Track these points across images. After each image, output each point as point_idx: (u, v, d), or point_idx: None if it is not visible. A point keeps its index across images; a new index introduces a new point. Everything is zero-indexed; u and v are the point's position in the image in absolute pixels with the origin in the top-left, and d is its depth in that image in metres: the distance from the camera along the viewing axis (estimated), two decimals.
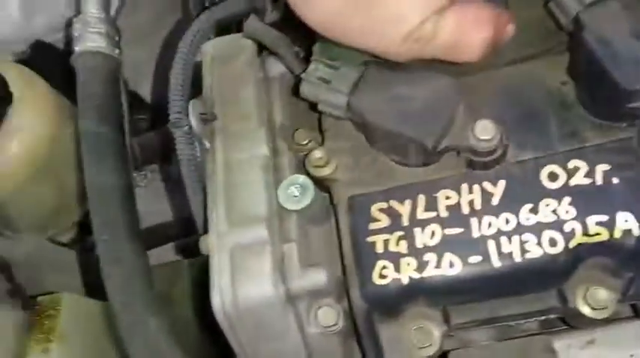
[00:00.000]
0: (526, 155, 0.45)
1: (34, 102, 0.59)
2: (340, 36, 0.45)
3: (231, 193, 0.47)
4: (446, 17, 0.43)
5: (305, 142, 0.52)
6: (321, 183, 0.49)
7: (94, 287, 0.60)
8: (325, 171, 0.48)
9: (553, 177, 0.44)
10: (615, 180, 0.43)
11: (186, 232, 0.72)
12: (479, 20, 0.45)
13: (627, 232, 0.41)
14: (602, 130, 0.45)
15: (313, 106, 0.49)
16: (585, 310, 0.43)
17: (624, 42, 0.43)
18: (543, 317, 0.46)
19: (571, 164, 0.44)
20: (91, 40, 0.51)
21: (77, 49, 0.51)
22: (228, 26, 0.59)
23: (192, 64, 0.50)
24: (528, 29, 0.51)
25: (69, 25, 0.55)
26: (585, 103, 0.46)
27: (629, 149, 0.44)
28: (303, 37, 0.58)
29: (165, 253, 0.75)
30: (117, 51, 0.52)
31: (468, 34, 0.44)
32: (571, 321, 0.46)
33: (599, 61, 0.42)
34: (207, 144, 0.50)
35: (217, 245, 0.45)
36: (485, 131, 0.43)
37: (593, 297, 0.43)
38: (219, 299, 0.42)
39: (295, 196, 0.47)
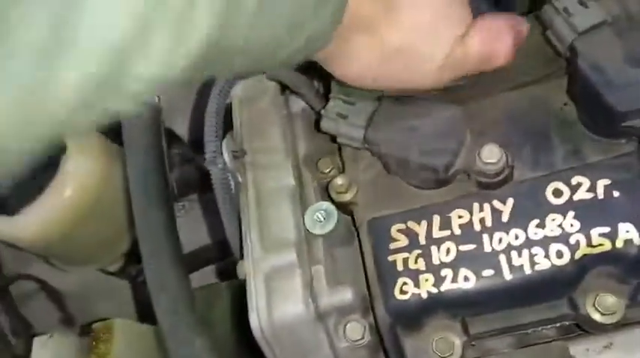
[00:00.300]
0: (532, 174, 0.49)
1: (85, 149, 0.66)
2: (372, 84, 0.49)
3: (262, 221, 0.52)
4: (471, 37, 0.47)
5: (327, 171, 0.57)
6: (344, 208, 0.54)
7: (143, 313, 0.66)
8: (347, 197, 0.53)
9: (557, 193, 0.47)
10: (616, 194, 0.46)
11: (222, 256, 0.77)
12: (500, 30, 0.49)
13: (629, 242, 0.44)
14: (602, 147, 0.49)
15: (333, 139, 0.54)
16: (596, 316, 0.46)
17: (617, 67, 0.46)
18: (558, 324, 0.49)
19: (574, 180, 0.48)
20: None
21: None
22: None
23: (224, 106, 0.56)
24: (529, 56, 0.55)
25: None
26: (585, 123, 0.50)
27: (629, 164, 0.47)
28: (322, 75, 0.64)
29: (203, 276, 0.81)
30: (157, 99, 0.58)
31: (494, 45, 0.49)
32: (585, 327, 0.49)
33: (594, 86, 0.46)
34: (240, 178, 0.55)
35: (253, 270, 0.50)
36: (491, 155, 0.47)
37: (602, 304, 0.46)
38: (257, 319, 0.47)
39: (320, 221, 0.51)
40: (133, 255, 0.74)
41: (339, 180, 0.53)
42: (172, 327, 0.48)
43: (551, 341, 0.51)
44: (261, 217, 0.52)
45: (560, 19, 0.51)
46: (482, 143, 0.48)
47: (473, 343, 0.49)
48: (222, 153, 0.54)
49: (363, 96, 0.56)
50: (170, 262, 0.50)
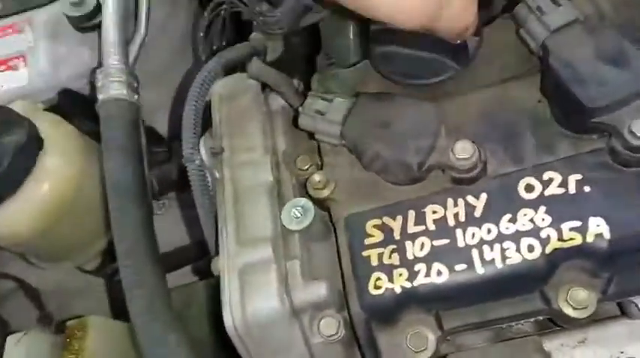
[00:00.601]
0: (505, 169, 0.50)
1: (62, 146, 0.66)
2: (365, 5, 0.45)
3: (239, 217, 0.52)
4: None
5: (306, 167, 0.57)
6: (321, 204, 0.54)
7: (119, 311, 0.66)
8: (324, 193, 0.53)
9: (529, 188, 0.48)
10: (587, 189, 0.47)
11: (201, 255, 0.77)
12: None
13: (599, 236, 0.45)
14: (574, 143, 0.49)
15: (311, 135, 0.55)
16: (568, 310, 0.46)
17: (587, 64, 0.47)
18: (532, 319, 0.50)
19: (546, 175, 0.48)
20: (113, 88, 0.57)
21: (100, 97, 0.57)
22: (235, 66, 0.65)
23: (204, 103, 0.56)
24: (504, 54, 0.56)
25: (93, 72, 0.62)
26: (558, 119, 0.51)
27: (600, 159, 0.48)
28: (302, 70, 0.64)
29: (182, 276, 0.80)
30: (136, 96, 0.58)
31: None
32: (558, 321, 0.50)
33: (565, 82, 0.47)
34: (217, 175, 0.55)
35: (227, 265, 0.50)
36: (464, 150, 0.47)
37: (574, 298, 0.46)
38: (230, 314, 0.47)
39: (297, 217, 0.52)
40: (110, 254, 0.74)
41: (317, 177, 0.54)
42: (146, 325, 0.47)
43: (526, 336, 0.52)
44: (238, 213, 0.53)
45: (533, 17, 0.52)
46: (455, 139, 0.48)
47: (447, 338, 0.50)
48: (199, 150, 0.54)
49: (342, 92, 0.57)
50: (146, 260, 0.50)
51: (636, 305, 0.50)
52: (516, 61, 0.55)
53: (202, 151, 0.54)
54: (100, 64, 0.59)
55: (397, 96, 0.52)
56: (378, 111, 0.51)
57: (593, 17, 0.51)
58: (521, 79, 0.54)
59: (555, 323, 0.51)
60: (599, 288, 0.47)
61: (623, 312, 0.51)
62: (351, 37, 0.58)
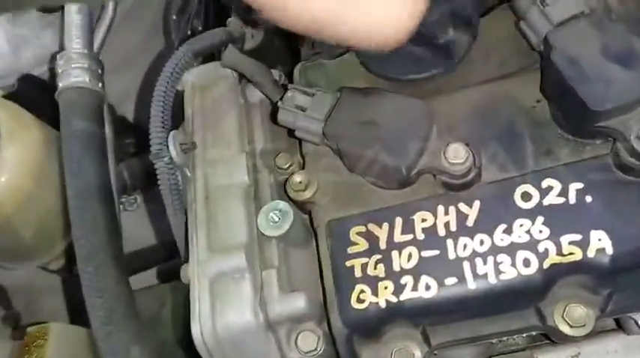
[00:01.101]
0: (500, 175, 0.46)
1: (21, 136, 0.61)
2: (333, 33, 0.37)
3: (211, 221, 0.48)
4: None
5: (286, 166, 0.53)
6: (302, 207, 0.50)
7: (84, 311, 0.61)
8: (305, 195, 0.49)
9: (527, 196, 0.44)
10: (589, 199, 0.43)
11: (176, 254, 0.73)
12: None
13: (601, 251, 0.42)
14: (575, 148, 0.46)
15: (291, 132, 0.50)
16: (564, 328, 0.43)
17: (593, 62, 0.43)
18: (525, 335, 0.47)
19: (544, 183, 0.45)
20: (74, 75, 0.52)
21: (61, 84, 0.52)
22: (212, 53, 0.60)
23: (173, 95, 0.51)
24: (501, 48, 0.52)
25: (54, 57, 0.56)
26: (559, 121, 0.47)
27: (603, 167, 0.44)
28: (284, 60, 0.59)
29: (154, 276, 0.76)
30: (100, 84, 0.53)
31: None
32: (553, 338, 0.47)
33: (568, 81, 0.43)
34: (189, 173, 0.51)
35: (197, 273, 0.45)
36: (457, 154, 0.44)
37: (571, 315, 0.43)
38: (199, 328, 0.43)
39: (275, 222, 0.47)
40: (74, 253, 0.69)
41: (298, 177, 0.49)
42: (107, 337, 0.43)
43: (517, 351, 0.49)
44: (210, 216, 0.48)
45: (535, 9, 0.48)
46: (448, 141, 0.44)
47: (435, 352, 0.46)
48: (169, 146, 0.49)
49: (325, 85, 0.52)
50: (108, 266, 0.45)
51: (635, 322, 0.47)
52: (515, 56, 0.51)
53: (172, 147, 0.49)
54: (61, 48, 0.54)
55: (385, 92, 0.48)
56: (363, 108, 0.47)
57: (600, 10, 0.46)
58: (520, 77, 0.50)
59: (547, 337, 0.48)
60: (597, 305, 0.43)
61: (620, 326, 0.48)
62: None
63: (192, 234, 0.48)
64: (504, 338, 0.48)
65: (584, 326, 0.43)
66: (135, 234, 0.56)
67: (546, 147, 0.46)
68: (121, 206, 0.70)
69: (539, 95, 0.48)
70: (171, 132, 0.50)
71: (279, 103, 0.49)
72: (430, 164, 0.45)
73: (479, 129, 0.48)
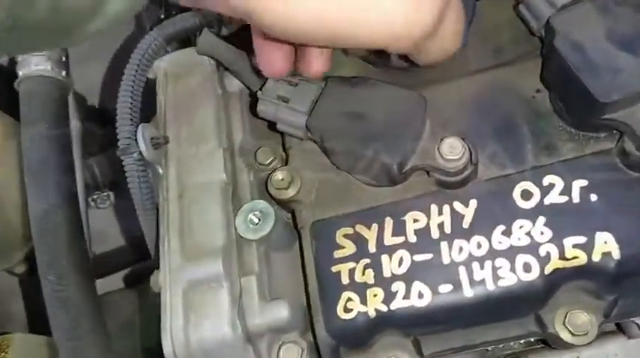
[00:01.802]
0: (498, 171, 0.42)
1: None
2: (313, 31, 0.34)
3: (184, 223, 0.44)
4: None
5: (268, 162, 0.49)
6: (285, 205, 0.47)
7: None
8: (288, 193, 0.45)
9: (527, 195, 0.41)
10: (593, 198, 0.40)
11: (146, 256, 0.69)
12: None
13: (607, 255, 0.39)
14: (578, 142, 0.43)
15: (272, 125, 0.46)
16: (565, 336, 0.40)
17: (599, 48, 0.39)
18: (523, 341, 0.44)
19: (546, 180, 0.41)
20: (34, 63, 0.48)
21: (21, 73, 0.48)
22: (187, 38, 0.56)
23: (142, 84, 0.47)
24: (498, 33, 0.48)
25: None
26: (560, 113, 0.44)
27: (608, 162, 0.41)
28: None
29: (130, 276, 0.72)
30: (63, 73, 0.49)
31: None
32: (553, 345, 0.44)
33: (572, 69, 0.39)
34: (160, 170, 0.47)
35: (169, 281, 0.42)
36: (452, 150, 0.40)
37: (573, 322, 0.40)
38: (170, 343, 0.39)
39: (255, 224, 0.44)
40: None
41: (280, 174, 0.46)
42: (71, 351, 0.40)
43: (513, 355, 0.46)
44: (183, 218, 0.44)
45: None
46: (442, 136, 0.41)
47: None
48: (138, 141, 0.45)
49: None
50: (71, 273, 0.41)
51: (638, 326, 0.44)
52: (513, 42, 0.47)
53: (141, 142, 0.45)
54: None
55: (373, 81, 0.44)
56: (350, 99, 0.43)
57: None
58: (518, 64, 0.46)
59: (546, 343, 0.45)
60: (601, 311, 0.41)
61: (620, 329, 0.46)
62: None
63: (163, 237, 0.44)
64: (499, 347, 0.45)
65: (586, 334, 0.40)
66: (109, 232, 0.52)
67: (547, 140, 0.43)
68: (93, 203, 0.65)
69: (539, 84, 0.45)
70: (141, 126, 0.46)
71: (259, 93, 0.45)
72: (423, 160, 0.41)
73: (475, 122, 0.44)
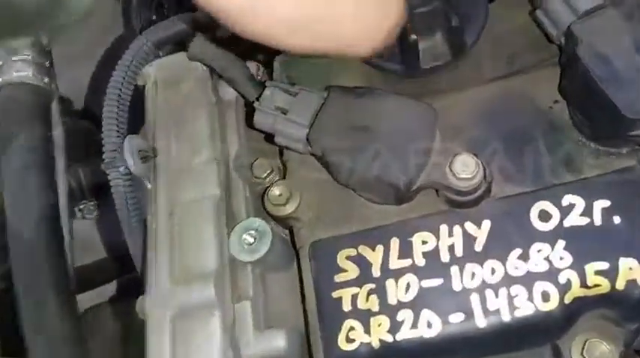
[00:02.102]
0: (513, 189, 0.39)
1: None
2: (287, 39, 0.33)
3: (174, 243, 0.41)
4: None
5: (264, 175, 0.46)
6: (282, 222, 0.44)
7: None
8: (286, 210, 0.42)
9: (545, 216, 0.38)
10: (617, 220, 0.37)
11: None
12: None
13: (631, 282, 0.36)
14: (600, 158, 0.40)
15: (270, 137, 0.43)
16: None
17: (626, 59, 0.36)
18: None
19: (565, 200, 0.38)
20: (16, 69, 0.44)
21: (0, 79, 0.45)
22: (181, 42, 0.52)
23: (131, 91, 0.44)
24: (513, 39, 0.45)
25: None
26: (580, 126, 0.41)
27: (632, 181, 0.38)
28: (264, 52, 0.52)
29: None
30: (46, 79, 0.45)
31: None
32: None
33: (597, 82, 0.36)
34: (149, 185, 0.43)
35: (156, 308, 0.38)
36: (465, 168, 0.37)
37: (592, 352, 0.37)
38: None
39: (250, 244, 0.40)
40: None
41: (277, 189, 0.43)
42: None
43: None
44: (173, 237, 0.41)
45: None
46: (454, 151, 0.38)
47: None
48: (124, 153, 0.42)
49: (311, 81, 0.45)
50: (50, 297, 0.38)
51: None
52: (528, 49, 0.44)
53: (128, 154, 0.41)
54: None
55: (380, 92, 0.41)
56: (354, 111, 0.40)
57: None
58: (534, 73, 0.43)
59: None
60: (621, 341, 0.38)
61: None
62: None
63: (150, 258, 0.40)
64: None
65: None
66: (96, 243, 0.49)
67: (565, 156, 0.40)
68: (80, 213, 0.62)
69: (557, 95, 0.42)
70: (127, 137, 0.42)
71: (256, 104, 0.42)
72: (433, 179, 0.38)
73: (488, 134, 0.41)
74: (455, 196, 0.38)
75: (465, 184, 0.37)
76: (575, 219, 0.38)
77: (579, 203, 0.38)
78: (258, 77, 0.50)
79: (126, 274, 0.69)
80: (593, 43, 0.37)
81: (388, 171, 0.38)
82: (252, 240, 0.41)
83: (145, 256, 0.41)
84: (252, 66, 0.50)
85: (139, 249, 0.44)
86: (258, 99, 0.42)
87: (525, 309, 0.36)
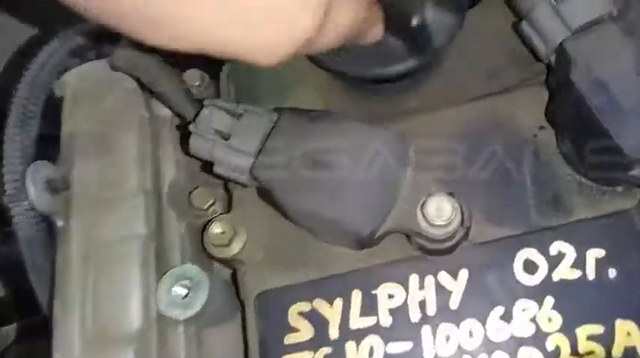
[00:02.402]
0: (495, 232, 0.34)
1: None
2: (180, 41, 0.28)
3: (88, 297, 0.33)
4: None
5: (206, 206, 0.39)
6: (226, 264, 0.37)
7: None
8: (230, 252, 0.36)
9: (531, 267, 0.33)
10: (612, 273, 0.32)
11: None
12: None
13: (630, 350, 0.30)
14: (591, 197, 0.34)
15: (208, 166, 0.36)
16: None
17: (629, 86, 0.31)
18: None
19: (554, 248, 0.33)
20: None
21: None
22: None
23: (39, 108, 0.36)
24: (494, 54, 0.39)
25: None
26: (569, 158, 0.35)
27: (629, 226, 0.33)
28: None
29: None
30: None
31: None
32: None
33: (595, 113, 0.31)
34: (60, 223, 0.36)
35: None
36: (440, 213, 0.31)
37: None
38: None
39: (183, 298, 0.34)
40: None
41: (219, 226, 0.36)
42: None
43: None
44: (87, 289, 0.33)
45: (544, 5, 0.35)
46: (427, 191, 0.32)
47: None
48: (29, 184, 0.34)
49: (262, 95, 0.38)
50: None
51: None
52: (512, 65, 0.39)
53: (31, 186, 0.34)
54: None
55: (338, 116, 0.34)
56: (309, 139, 0.33)
57: (632, 11, 0.34)
58: (518, 93, 0.37)
59: None
60: None
61: None
62: None
63: (57, 317, 0.33)
64: None
65: None
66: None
67: (553, 193, 0.35)
68: None
69: (543, 120, 0.36)
70: (33, 165, 0.34)
71: (192, 126, 0.35)
72: (403, 224, 0.32)
73: (465, 167, 0.35)
74: (427, 243, 0.32)
75: (439, 232, 0.31)
76: (565, 272, 0.32)
77: (569, 252, 0.33)
78: (202, 88, 0.43)
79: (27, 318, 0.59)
80: (591, 65, 0.31)
81: (348, 215, 0.31)
82: (185, 291, 0.34)
83: (52, 310, 0.33)
84: (195, 76, 0.43)
85: (48, 300, 0.37)
86: (195, 119, 0.35)
87: None
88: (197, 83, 0.43)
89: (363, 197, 0.31)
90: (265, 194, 0.34)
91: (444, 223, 0.31)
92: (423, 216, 0.31)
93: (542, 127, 0.36)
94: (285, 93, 0.42)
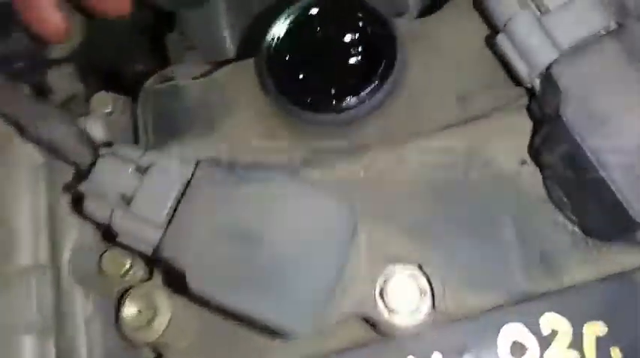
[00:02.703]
0: (474, 302, 0.27)
1: None
2: None
3: None
4: None
5: (122, 272, 0.31)
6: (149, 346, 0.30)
7: None
8: (150, 336, 0.29)
9: (519, 350, 0.26)
10: (616, 355, 0.26)
11: None
12: None
13: None
14: (586, 252, 0.28)
15: (111, 235, 0.28)
16: None
17: (635, 126, 0.24)
18: None
19: (545, 322, 0.27)
20: None
21: None
22: None
23: None
24: (464, 73, 0.32)
25: None
26: (558, 203, 0.29)
27: (634, 292, 0.27)
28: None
29: None
30: None
31: None
32: None
33: (590, 159, 0.24)
34: None
35: None
36: (402, 298, 0.24)
37: None
38: None
39: None
40: None
41: (135, 304, 0.29)
42: None
43: None
44: None
45: (527, 16, 0.28)
46: (385, 267, 0.25)
47: None
48: None
49: (189, 124, 0.31)
50: None
51: None
52: (487, 87, 0.31)
53: None
54: None
55: (272, 175, 0.26)
56: (234, 205, 0.25)
57: (632, 21, 0.27)
58: (495, 122, 0.30)
59: None
60: None
61: None
62: None
63: None
64: None
65: None
66: None
67: (542, 249, 0.28)
68: None
69: (525, 154, 0.30)
70: None
71: (83, 185, 0.27)
72: (361, 311, 0.25)
73: (435, 217, 0.28)
74: (388, 330, 0.25)
75: (404, 322, 0.24)
76: (559, 352, 0.26)
77: (565, 327, 0.27)
78: (116, 114, 0.35)
79: None
80: (587, 96, 0.25)
81: (281, 310, 0.24)
82: None
83: None
84: (106, 100, 0.35)
85: None
86: (87, 175, 0.27)
87: None
88: (108, 109, 0.35)
89: (301, 282, 0.24)
90: (177, 276, 0.27)
91: (410, 310, 0.24)
92: (384, 302, 0.24)
93: (524, 162, 0.30)
94: (215, 121, 0.34)
